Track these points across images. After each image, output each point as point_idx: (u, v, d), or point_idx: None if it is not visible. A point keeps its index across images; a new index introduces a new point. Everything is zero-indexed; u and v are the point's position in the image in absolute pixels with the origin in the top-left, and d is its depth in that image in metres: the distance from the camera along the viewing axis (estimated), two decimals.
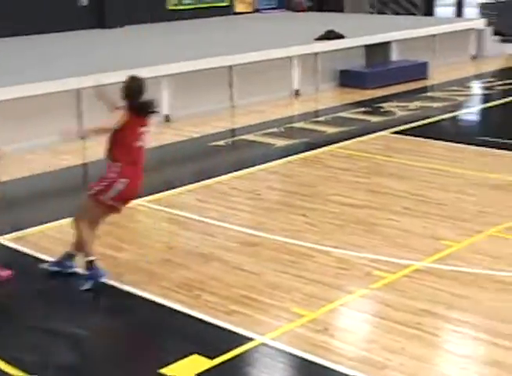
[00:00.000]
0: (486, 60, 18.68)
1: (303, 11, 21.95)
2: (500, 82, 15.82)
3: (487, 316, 5.91)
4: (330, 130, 12.03)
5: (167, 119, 12.67)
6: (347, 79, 15.34)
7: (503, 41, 20.08)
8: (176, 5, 19.56)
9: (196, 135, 11.88)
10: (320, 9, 22.02)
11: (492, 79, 16.43)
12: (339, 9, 22.71)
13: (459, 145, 10.96)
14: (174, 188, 9.20)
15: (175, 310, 6.11)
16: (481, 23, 19.50)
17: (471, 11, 23.61)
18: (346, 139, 11.35)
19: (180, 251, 7.35)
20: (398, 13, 22.99)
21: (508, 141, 10.89)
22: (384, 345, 5.51)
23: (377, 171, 9.83)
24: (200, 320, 5.93)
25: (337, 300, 6.24)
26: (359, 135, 11.59)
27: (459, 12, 24.52)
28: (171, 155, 11.07)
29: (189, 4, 19.81)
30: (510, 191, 8.88)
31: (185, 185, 9.30)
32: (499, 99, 14.29)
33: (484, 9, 21.96)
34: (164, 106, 12.66)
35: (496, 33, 19.79)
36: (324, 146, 11.01)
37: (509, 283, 6.46)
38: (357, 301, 6.29)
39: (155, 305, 6.23)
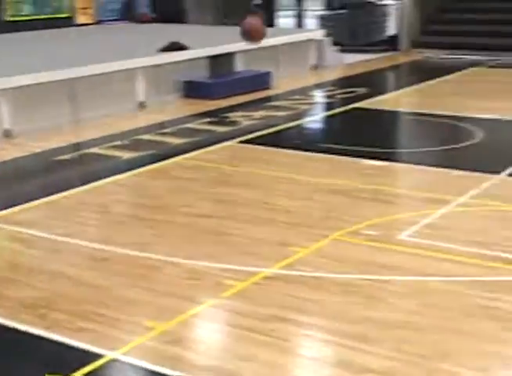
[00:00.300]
0: (326, 70, 19.29)
1: (147, 22, 21.88)
2: (340, 91, 16.37)
3: (334, 319, 6.07)
4: (177, 141, 12.03)
5: (8, 134, 12.27)
6: (191, 90, 15.41)
7: (342, 51, 20.81)
8: (14, 16, 19.01)
9: (39, 150, 11.57)
10: (164, 21, 22.02)
11: (332, 88, 16.97)
12: (183, 20, 22.80)
13: (303, 152, 11.23)
14: (17, 205, 8.91)
15: (22, 331, 5.90)
16: (320, 33, 20.13)
17: (311, 22, 24.31)
18: (193, 150, 11.39)
19: (25, 269, 7.12)
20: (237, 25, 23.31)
21: (349, 147, 11.27)
22: (235, 353, 5.55)
23: (225, 180, 9.92)
24: (49, 340, 5.76)
25: (188, 311, 6.23)
26: (206, 146, 11.65)
27: (299, 23, 25.18)
28: (13, 171, 10.73)
29: (27, 15, 19.31)
30: (351, 196, 9.17)
31: (29, 201, 9.04)
32: (340, 107, 14.77)
33: (323, 21, 22.70)
34: (5, 121, 12.27)
35: (335, 43, 20.49)
36: (171, 157, 11.00)
37: (353, 285, 6.67)
38: (208, 311, 6.30)
39: None
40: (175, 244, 7.69)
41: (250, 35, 9.86)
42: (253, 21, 9.76)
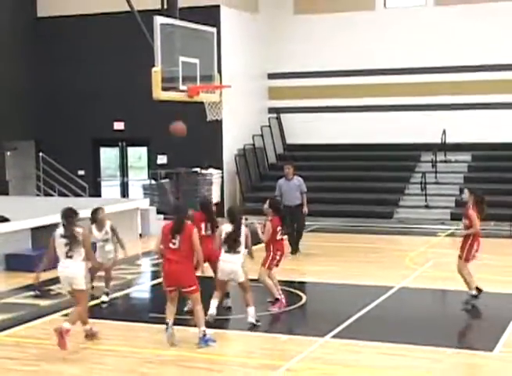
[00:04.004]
0: (152, 238, 19.29)
1: None
2: None
3: None
4: None
5: None
6: (14, 263, 14.96)
7: (166, 219, 21.03)
8: None
9: None
10: None
11: (158, 256, 16.92)
12: (4, 191, 22.43)
13: (131, 323, 11.00)
14: None
15: None
16: (145, 202, 20.37)
17: (136, 191, 24.55)
18: (14, 326, 10.91)
19: None
20: (65, 195, 23.20)
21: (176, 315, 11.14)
22: None
23: (47, 356, 9.48)
24: None
25: None
26: (28, 321, 11.21)
27: (125, 193, 25.37)
28: None
29: None
30: (184, 367, 9.02)
31: None
32: None
33: (147, 190, 23.01)
34: None
35: (159, 211, 20.74)
36: None
37: None
38: None
39: None
40: None
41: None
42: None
